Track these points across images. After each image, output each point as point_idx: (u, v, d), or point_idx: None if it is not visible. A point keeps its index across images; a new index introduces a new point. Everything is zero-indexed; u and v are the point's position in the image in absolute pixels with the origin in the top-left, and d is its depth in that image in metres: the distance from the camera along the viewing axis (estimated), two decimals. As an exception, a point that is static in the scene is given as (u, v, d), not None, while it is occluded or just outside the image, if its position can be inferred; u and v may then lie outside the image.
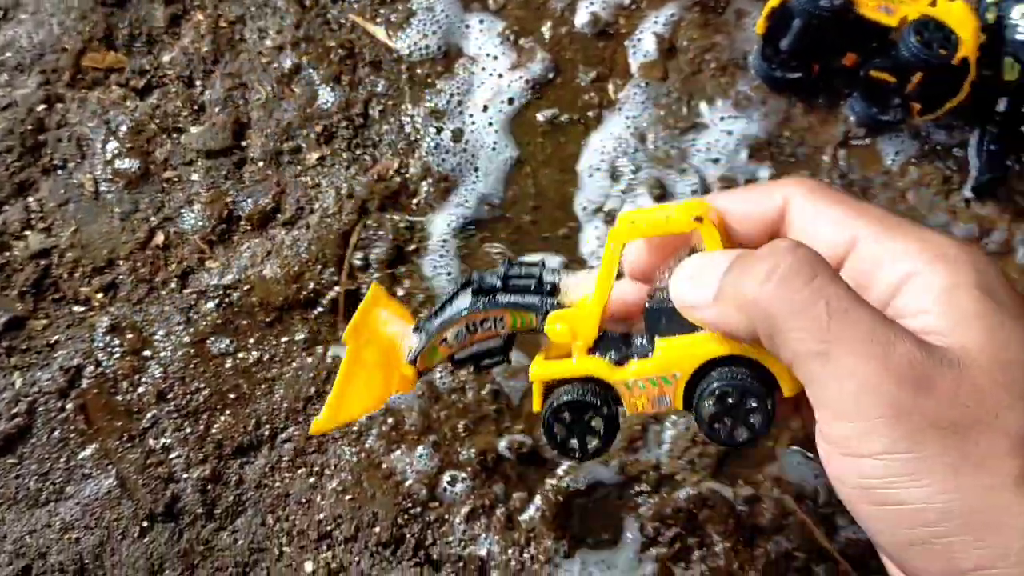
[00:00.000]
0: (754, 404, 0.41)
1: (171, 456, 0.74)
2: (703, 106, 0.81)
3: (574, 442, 0.46)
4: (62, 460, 0.74)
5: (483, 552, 0.74)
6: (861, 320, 0.31)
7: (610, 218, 0.79)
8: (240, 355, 0.75)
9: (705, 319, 0.38)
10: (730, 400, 0.42)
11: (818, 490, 0.75)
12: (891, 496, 0.30)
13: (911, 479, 0.30)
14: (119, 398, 0.74)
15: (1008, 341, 0.31)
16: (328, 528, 0.73)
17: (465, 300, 0.49)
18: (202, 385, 0.75)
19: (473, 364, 0.53)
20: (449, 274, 0.77)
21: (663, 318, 0.43)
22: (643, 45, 0.81)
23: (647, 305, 0.44)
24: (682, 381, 0.43)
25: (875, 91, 0.78)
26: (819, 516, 0.74)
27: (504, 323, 0.48)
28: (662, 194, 0.78)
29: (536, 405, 0.47)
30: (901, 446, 0.30)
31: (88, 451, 0.74)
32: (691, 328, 0.42)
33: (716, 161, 0.80)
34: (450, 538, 0.74)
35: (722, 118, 0.80)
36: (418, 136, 0.78)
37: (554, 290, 0.47)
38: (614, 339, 0.46)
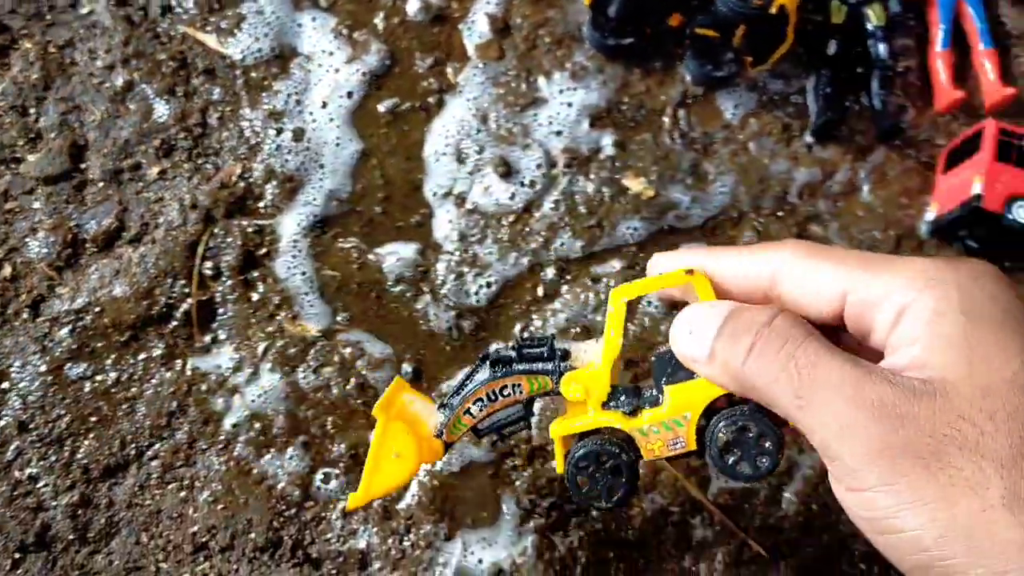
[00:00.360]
0: (759, 433, 0.45)
1: (38, 485, 0.74)
2: (541, 81, 0.82)
3: (597, 491, 0.51)
4: (-77, 503, 0.74)
5: (363, 545, 0.75)
6: (831, 370, 0.34)
7: (460, 200, 0.80)
8: (98, 378, 0.76)
9: (701, 373, 0.43)
10: (736, 436, 0.45)
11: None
12: (891, 525, 0.33)
13: (905, 508, 0.32)
14: (-23, 434, 0.75)
15: (988, 366, 0.33)
16: (203, 539, 0.74)
17: (484, 373, 0.54)
18: (63, 412, 0.75)
19: (496, 433, 0.58)
20: (304, 274, 0.78)
21: (669, 367, 0.48)
22: (477, 27, 0.83)
23: (653, 356, 0.50)
24: (693, 421, 0.47)
25: (705, 48, 0.80)
26: (689, 469, 0.76)
27: (522, 388, 0.53)
28: (507, 171, 0.80)
29: (559, 465, 0.52)
30: (888, 479, 0.32)
31: (-51, 491, 0.74)
32: (694, 374, 0.46)
33: (559, 133, 0.81)
34: (328, 535, 0.75)
35: (561, 90, 0.82)
36: (259, 139, 0.79)
37: (565, 355, 0.52)
38: (626, 392, 0.50)
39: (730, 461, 0.46)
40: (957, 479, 0.31)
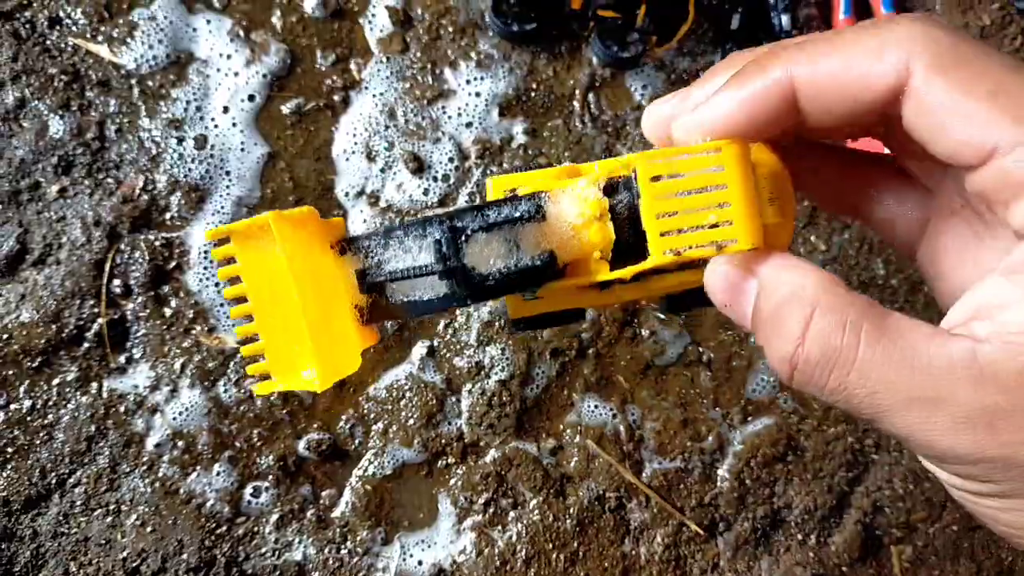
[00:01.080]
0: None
1: (-44, 525, 0.74)
2: (448, 72, 0.83)
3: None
4: None
5: (299, 557, 0.76)
6: (897, 389, 0.27)
7: (374, 199, 0.81)
8: (12, 407, 0.75)
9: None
10: None
11: (618, 430, 0.78)
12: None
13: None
14: None
15: None
16: (134, 564, 0.74)
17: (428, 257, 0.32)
18: (-24, 446, 0.75)
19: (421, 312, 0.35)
20: (217, 285, 0.78)
21: None
22: (378, 20, 0.83)
23: None
24: None
25: (609, 30, 0.81)
26: (623, 455, 0.78)
27: None
28: (419, 166, 0.80)
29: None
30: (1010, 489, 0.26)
31: None
32: None
33: (469, 125, 0.82)
34: (263, 549, 0.75)
35: (468, 80, 0.83)
36: (160, 150, 0.79)
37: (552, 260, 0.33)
38: None
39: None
40: None
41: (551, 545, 0.75)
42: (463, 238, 0.31)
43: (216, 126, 0.80)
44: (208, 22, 0.81)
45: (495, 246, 0.31)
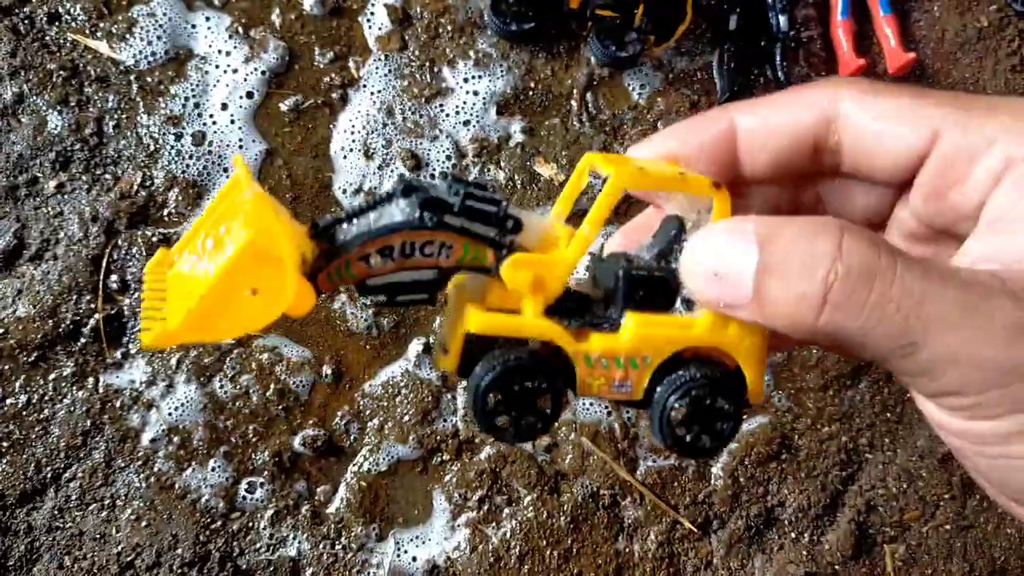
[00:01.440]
0: (724, 409, 0.37)
1: (-49, 518, 0.75)
2: (446, 70, 0.84)
3: (508, 421, 0.38)
4: None
5: (293, 552, 0.76)
6: (943, 302, 0.27)
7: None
8: (8, 401, 0.76)
9: (744, 319, 0.32)
10: (701, 404, 0.37)
11: (613, 428, 0.79)
12: (1017, 450, 0.29)
13: None
14: None
15: None
16: (129, 559, 0.75)
17: (405, 211, 0.36)
18: (-28, 439, 0.76)
19: (386, 296, 0.38)
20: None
21: (643, 289, 0.37)
22: (377, 18, 0.84)
23: (629, 271, 0.37)
24: (651, 368, 0.38)
25: (608, 29, 0.82)
26: (617, 452, 0.79)
27: (452, 252, 0.37)
28: (417, 164, 0.81)
29: (451, 363, 0.37)
30: (1015, 406, 0.28)
31: None
32: (670, 306, 0.37)
33: (467, 123, 0.83)
34: (257, 545, 0.76)
35: (466, 79, 0.84)
36: (158, 146, 0.80)
37: (517, 226, 0.37)
38: (577, 300, 0.39)
39: (677, 426, 0.38)
40: None
41: (545, 542, 0.76)
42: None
43: (214, 123, 0.81)
44: (207, 19, 0.82)
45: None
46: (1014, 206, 0.29)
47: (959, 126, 0.30)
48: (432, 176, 0.82)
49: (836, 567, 0.77)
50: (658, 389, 0.38)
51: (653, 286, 0.37)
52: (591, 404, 0.80)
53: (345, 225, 0.35)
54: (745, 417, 0.80)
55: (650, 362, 0.38)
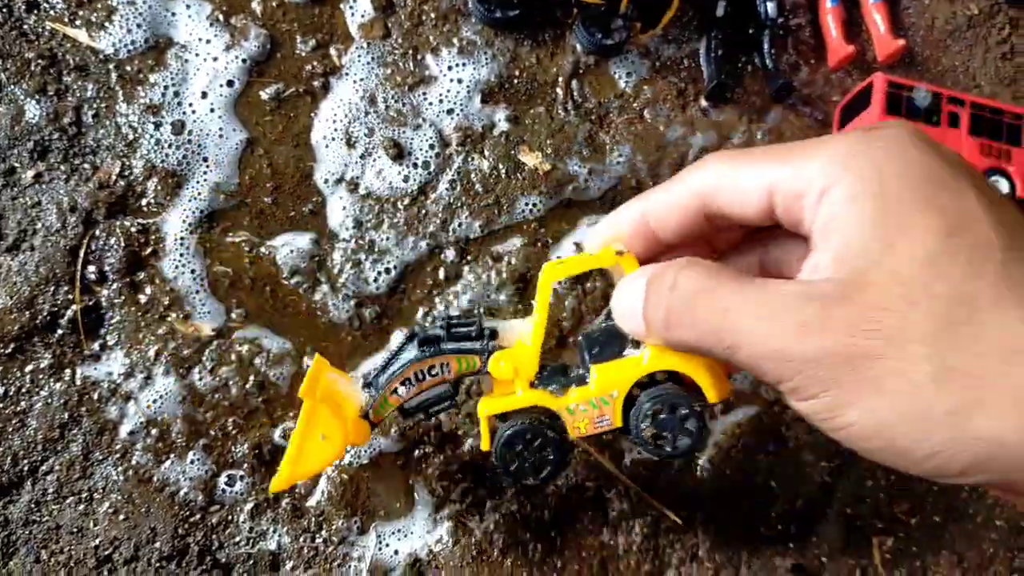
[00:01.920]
0: (685, 412, 0.50)
1: (-73, 512, 0.74)
2: (429, 58, 0.84)
3: (526, 468, 0.54)
4: None
5: (273, 546, 0.76)
6: (744, 308, 0.37)
7: (354, 186, 0.82)
8: (-16, 394, 0.76)
9: (653, 344, 0.47)
10: (662, 416, 0.50)
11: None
12: (838, 423, 0.36)
13: (845, 407, 0.35)
14: None
15: (901, 248, 0.34)
16: (107, 552, 0.75)
17: (411, 352, 0.57)
18: (-52, 432, 0.75)
19: (423, 413, 0.62)
20: (193, 272, 0.79)
21: (596, 346, 0.52)
22: (360, 5, 0.84)
23: (580, 336, 0.54)
24: (619, 400, 0.52)
25: (594, 17, 0.82)
26: (602, 445, 0.79)
27: (450, 368, 0.57)
28: (400, 153, 0.81)
29: (485, 442, 0.54)
30: (825, 386, 0.35)
31: None
32: (620, 352, 0.51)
33: (451, 111, 0.83)
34: (237, 538, 0.76)
35: (450, 67, 0.83)
36: (137, 135, 0.79)
37: (493, 334, 0.54)
38: (553, 371, 0.55)
39: (654, 439, 0.51)
40: (884, 369, 0.33)
41: (529, 535, 0.76)
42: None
43: (194, 111, 0.80)
44: (188, 6, 0.82)
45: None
46: (824, 224, 0.37)
47: (786, 177, 0.38)
48: (415, 165, 0.82)
49: (823, 560, 0.77)
50: (630, 415, 0.52)
51: (603, 341, 0.52)
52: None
53: (381, 375, 0.58)
54: (722, 412, 0.80)
55: (616, 396, 0.52)
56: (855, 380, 0.34)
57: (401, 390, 0.58)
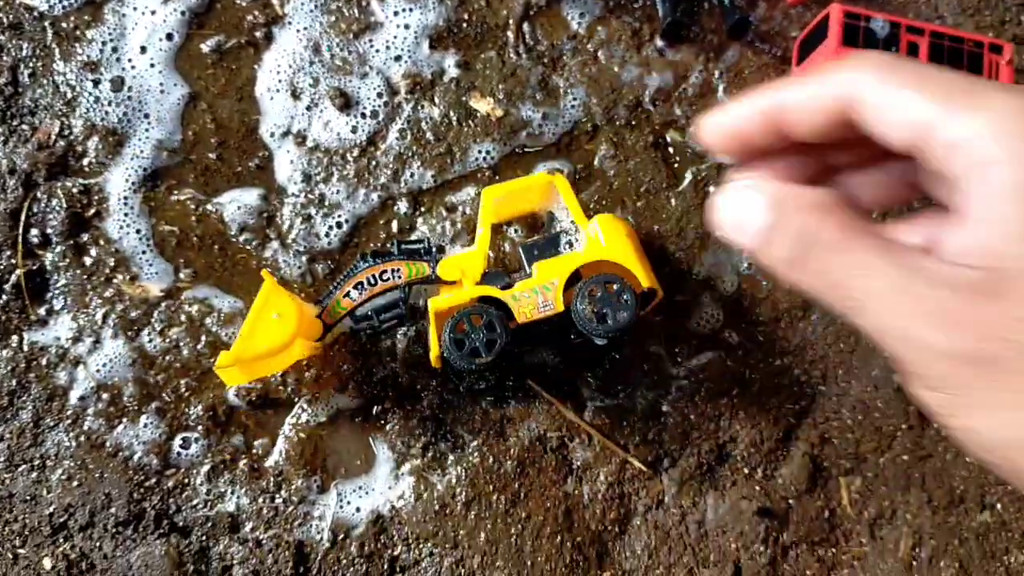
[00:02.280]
0: (619, 287, 0.58)
1: None
2: (375, 3, 0.82)
3: (477, 348, 0.60)
4: None
5: (231, 507, 0.75)
6: (884, 278, 0.33)
7: (301, 139, 0.80)
8: (-71, 363, 0.74)
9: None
10: (599, 294, 0.57)
11: (559, 368, 0.78)
12: (964, 424, 0.33)
13: (974, 411, 0.32)
14: None
15: None
16: (62, 519, 0.74)
17: (365, 263, 0.65)
18: None
19: (375, 320, 0.67)
20: (138, 232, 0.77)
21: (535, 250, 0.62)
22: (301, -48, 0.81)
23: (519, 247, 0.62)
24: (560, 286, 0.59)
25: (542, -45, 0.80)
26: (563, 394, 0.78)
27: (400, 273, 0.64)
28: (346, 103, 0.79)
29: (433, 344, 0.62)
30: (954, 385, 0.32)
31: None
32: (558, 251, 0.60)
33: (398, 59, 0.81)
34: (194, 501, 0.75)
35: (396, 12, 0.81)
36: (75, 94, 0.78)
37: (441, 249, 0.64)
38: (496, 275, 0.62)
39: (596, 316, 0.58)
40: (1019, 385, 0.30)
41: (492, 487, 0.75)
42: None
43: (133, 67, 0.78)
44: (122, -41, 0.80)
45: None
46: (983, 203, 0.32)
47: (942, 120, 0.33)
48: (363, 115, 0.80)
49: (790, 501, 0.76)
50: (574, 301, 0.59)
51: (541, 246, 0.63)
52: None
53: (334, 287, 0.66)
54: (685, 358, 0.79)
55: (557, 284, 0.59)
56: (985, 388, 0.31)
57: (353, 293, 0.65)
